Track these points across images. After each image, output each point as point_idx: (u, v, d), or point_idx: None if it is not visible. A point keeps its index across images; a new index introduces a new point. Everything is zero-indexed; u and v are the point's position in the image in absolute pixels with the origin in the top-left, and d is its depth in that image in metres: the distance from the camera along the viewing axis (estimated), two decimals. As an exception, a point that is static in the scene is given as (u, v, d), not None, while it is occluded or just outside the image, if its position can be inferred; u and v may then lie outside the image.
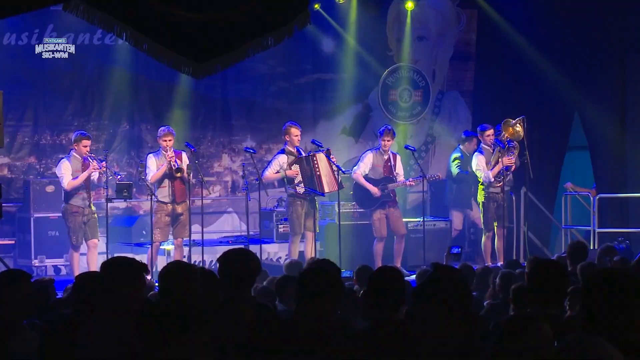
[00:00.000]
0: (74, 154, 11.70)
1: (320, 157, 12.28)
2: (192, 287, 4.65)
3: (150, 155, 12.02)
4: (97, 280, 4.95)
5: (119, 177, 11.92)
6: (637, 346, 2.95)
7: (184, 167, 11.79)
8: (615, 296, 3.27)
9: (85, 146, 11.62)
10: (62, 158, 11.97)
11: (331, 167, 12.27)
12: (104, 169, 11.64)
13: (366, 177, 12.75)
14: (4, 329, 5.10)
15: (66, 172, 11.62)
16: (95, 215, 11.81)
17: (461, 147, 14.16)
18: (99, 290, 4.71)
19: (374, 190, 12.66)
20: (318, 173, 12.23)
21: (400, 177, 12.83)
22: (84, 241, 11.74)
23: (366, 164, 12.79)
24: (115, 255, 5.99)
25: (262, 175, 12.23)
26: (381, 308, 4.61)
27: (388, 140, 12.69)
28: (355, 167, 12.93)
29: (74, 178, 11.59)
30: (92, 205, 11.75)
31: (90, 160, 11.60)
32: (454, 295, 3.57)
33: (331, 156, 12.34)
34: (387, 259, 12.69)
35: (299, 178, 12.20)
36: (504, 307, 6.86)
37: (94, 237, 11.78)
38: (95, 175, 11.72)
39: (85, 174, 11.57)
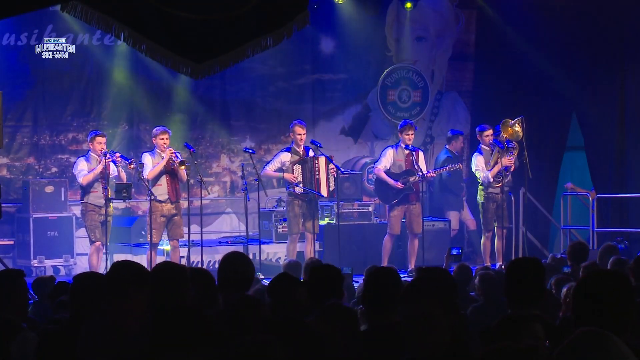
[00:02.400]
0: (91, 153, 11.77)
1: (321, 161, 12.34)
2: (182, 288, 4.63)
3: (146, 153, 12.04)
4: (99, 280, 4.92)
5: (131, 162, 11.78)
6: (631, 348, 2.95)
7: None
8: (607, 298, 3.27)
9: (100, 143, 11.70)
10: (80, 157, 12.01)
11: (327, 173, 12.30)
12: (118, 158, 11.64)
13: (388, 172, 12.70)
14: (4, 330, 5.09)
15: (83, 168, 11.70)
16: (110, 219, 11.78)
17: (447, 146, 14.16)
18: (101, 290, 4.68)
19: (396, 183, 12.58)
20: (317, 176, 12.30)
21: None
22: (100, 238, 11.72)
23: (387, 159, 12.71)
24: (126, 259, 5.96)
25: (262, 171, 12.26)
26: (378, 310, 4.60)
27: (410, 134, 12.53)
28: (377, 163, 12.92)
29: (89, 172, 11.62)
30: (111, 205, 11.75)
31: (104, 157, 11.61)
32: (438, 293, 3.54)
33: (333, 160, 12.41)
34: (392, 259, 12.62)
35: (299, 179, 12.24)
36: (484, 309, 6.72)
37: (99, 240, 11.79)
38: (113, 171, 11.70)
39: (100, 167, 11.58)
